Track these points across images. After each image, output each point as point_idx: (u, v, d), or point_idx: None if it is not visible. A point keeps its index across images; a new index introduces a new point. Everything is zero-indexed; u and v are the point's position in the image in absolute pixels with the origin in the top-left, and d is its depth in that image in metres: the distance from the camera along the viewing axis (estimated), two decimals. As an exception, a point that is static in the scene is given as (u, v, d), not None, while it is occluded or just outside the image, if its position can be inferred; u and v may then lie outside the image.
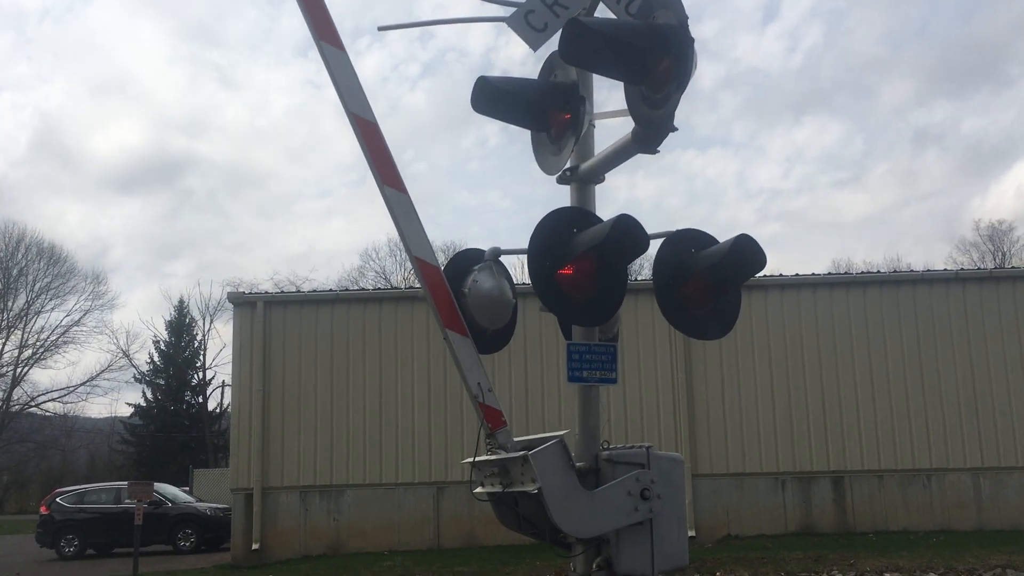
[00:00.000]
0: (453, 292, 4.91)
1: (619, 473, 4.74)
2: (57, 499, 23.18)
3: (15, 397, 58.45)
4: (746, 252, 4.56)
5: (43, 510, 23.15)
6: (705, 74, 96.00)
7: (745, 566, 13.37)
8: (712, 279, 4.71)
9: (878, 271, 23.18)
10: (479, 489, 5.10)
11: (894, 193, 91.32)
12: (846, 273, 20.96)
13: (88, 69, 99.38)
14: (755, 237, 4.57)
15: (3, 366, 58.09)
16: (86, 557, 21.95)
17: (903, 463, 17.44)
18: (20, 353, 58.54)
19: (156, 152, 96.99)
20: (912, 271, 19.61)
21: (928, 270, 18.87)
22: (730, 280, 4.78)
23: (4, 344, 58.12)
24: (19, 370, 58.65)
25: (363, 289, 23.47)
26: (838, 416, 17.61)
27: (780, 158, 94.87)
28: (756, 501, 17.51)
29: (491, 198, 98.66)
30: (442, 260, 5.11)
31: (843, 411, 17.62)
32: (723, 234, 4.72)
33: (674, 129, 4.31)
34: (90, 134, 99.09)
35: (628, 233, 4.45)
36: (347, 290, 21.58)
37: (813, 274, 19.05)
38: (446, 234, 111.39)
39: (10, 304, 57.92)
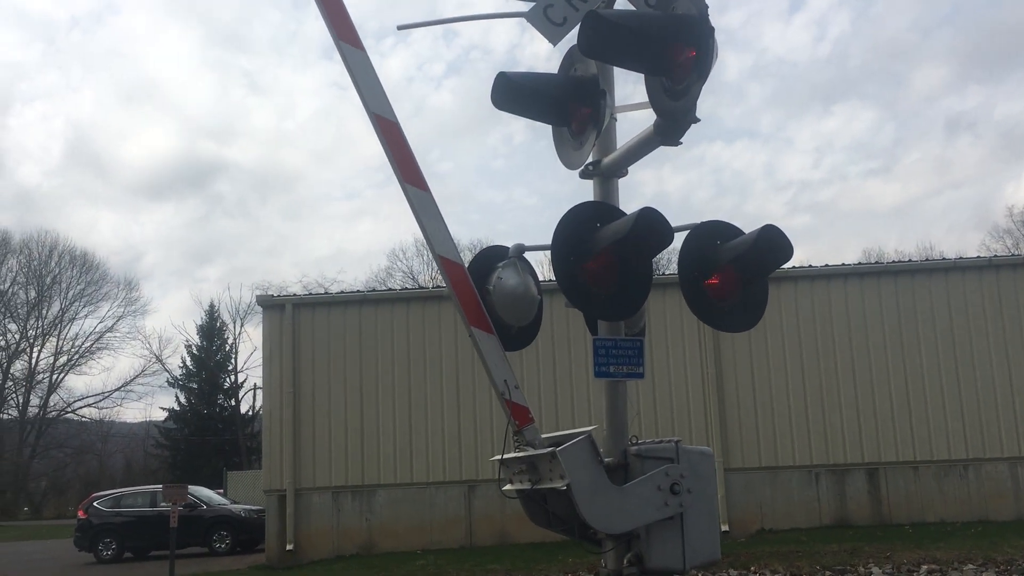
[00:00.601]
0: (478, 289, 4.90)
1: (648, 468, 4.71)
2: (94, 503, 23.47)
3: (52, 404, 59.46)
4: (772, 242, 4.52)
5: (81, 514, 23.46)
6: (731, 65, 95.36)
7: (779, 560, 13.26)
8: (738, 271, 4.66)
9: (909, 260, 22.89)
10: (508, 486, 5.08)
11: (926, 181, 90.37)
12: (877, 263, 20.72)
13: (118, 77, 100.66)
14: (784, 229, 4.52)
15: (39, 373, 59.05)
16: (124, 560, 22.22)
17: (939, 454, 17.21)
18: (55, 360, 59.53)
19: (186, 158, 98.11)
20: (944, 259, 19.33)
21: (961, 257, 18.60)
22: (756, 271, 4.73)
23: (40, 352, 59.11)
24: (55, 377, 59.63)
25: (391, 289, 23.56)
26: (871, 407, 17.42)
27: (809, 148, 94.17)
28: (789, 494, 17.36)
29: (517, 195, 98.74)
30: (469, 259, 5.10)
31: (876, 402, 17.43)
32: (752, 226, 4.67)
33: (696, 120, 4.27)
34: (121, 142, 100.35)
35: (651, 226, 4.41)
36: (374, 291, 21.68)
37: (843, 264, 18.84)
38: (473, 232, 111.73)
39: (44, 312, 58.87)
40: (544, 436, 4.95)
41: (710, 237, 4.72)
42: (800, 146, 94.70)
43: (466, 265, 4.94)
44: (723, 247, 4.69)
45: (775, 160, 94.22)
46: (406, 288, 25.19)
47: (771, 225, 4.51)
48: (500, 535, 17.25)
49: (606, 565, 4.89)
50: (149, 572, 18.31)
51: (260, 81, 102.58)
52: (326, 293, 25.99)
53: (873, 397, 17.44)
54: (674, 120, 4.29)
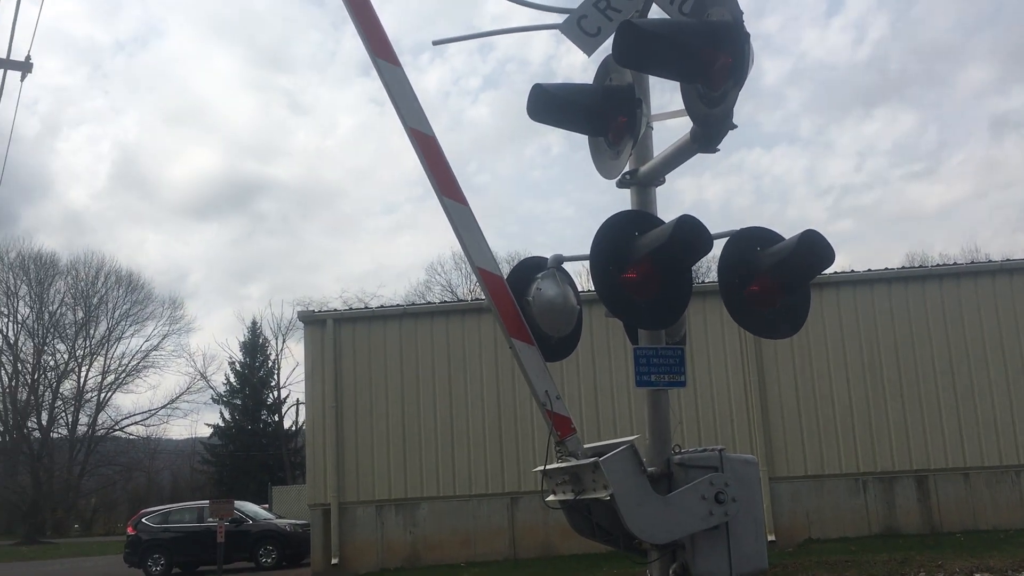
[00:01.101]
0: (517, 300, 4.91)
1: (692, 477, 4.68)
2: (143, 519, 23.81)
3: (100, 422, 60.37)
4: (813, 248, 4.48)
5: (130, 531, 23.81)
6: (769, 70, 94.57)
7: (828, 570, 13.07)
8: (779, 277, 4.63)
9: (955, 263, 22.49)
10: (551, 497, 5.08)
11: (971, 182, 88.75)
12: (921, 266, 20.41)
13: (162, 99, 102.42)
14: (826, 234, 4.49)
15: (88, 392, 60.05)
16: None
17: (990, 460, 16.87)
18: (103, 379, 60.48)
19: (229, 178, 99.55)
20: (991, 261, 18.98)
21: (1008, 260, 18.26)
22: (797, 277, 4.69)
23: (88, 371, 60.09)
24: (103, 395, 60.58)
25: (430, 303, 23.66)
26: (919, 413, 17.13)
27: (850, 152, 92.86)
28: (837, 503, 17.11)
29: (555, 206, 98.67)
30: (508, 270, 5.13)
31: (924, 408, 17.14)
32: (794, 233, 4.64)
33: (734, 126, 4.26)
34: (166, 163, 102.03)
35: (691, 234, 4.40)
36: (414, 304, 21.78)
37: (887, 269, 18.57)
38: (511, 244, 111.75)
39: (92, 332, 59.87)
40: (586, 446, 4.95)
41: (750, 243, 4.69)
42: (841, 150, 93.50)
43: (505, 277, 4.96)
44: (763, 253, 4.66)
45: (816, 165, 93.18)
46: (445, 301, 25.27)
47: (812, 230, 4.48)
48: (544, 547, 17.21)
49: (651, 575, 4.87)
50: (197, 587, 18.53)
51: (301, 100, 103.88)
52: (366, 308, 26.19)
53: (920, 402, 17.16)
54: (711, 127, 4.28)
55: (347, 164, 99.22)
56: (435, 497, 17.72)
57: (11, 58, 19.32)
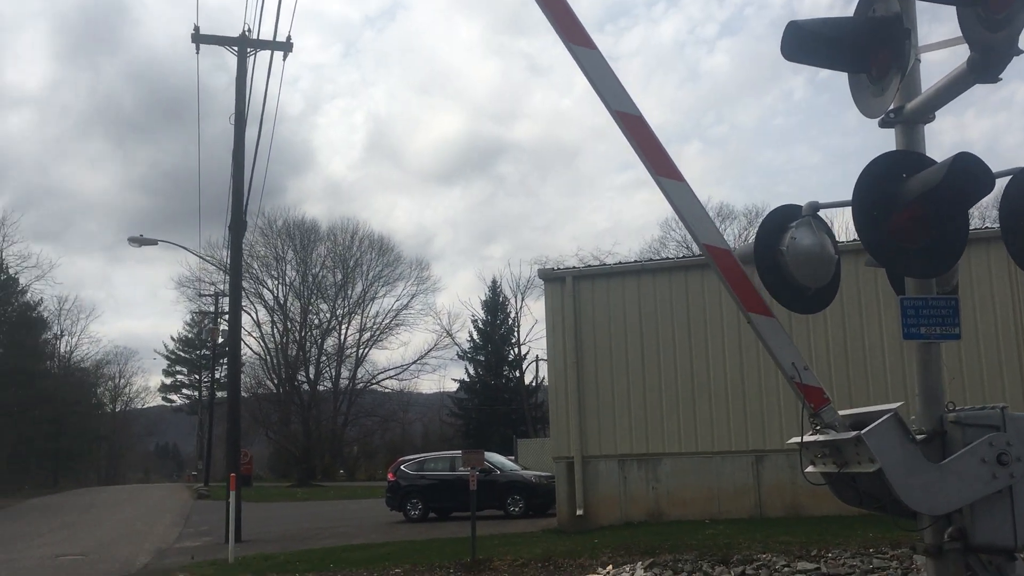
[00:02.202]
0: (769, 250, 4.74)
1: (969, 437, 4.34)
2: (401, 467, 25.44)
3: (359, 376, 65.19)
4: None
5: (390, 477, 25.53)
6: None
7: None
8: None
9: None
10: (811, 468, 4.88)
11: None
12: None
13: (409, 70, 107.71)
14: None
15: (347, 348, 64.98)
16: (429, 520, 23.96)
17: None
18: (360, 336, 65.15)
19: (472, 142, 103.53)
20: None
21: None
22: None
23: (347, 329, 64.97)
24: (360, 352, 65.31)
25: (666, 259, 23.41)
26: None
27: None
28: None
29: (798, 154, 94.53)
30: (746, 225, 4.96)
31: None
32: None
33: (1018, 52, 3.85)
34: (414, 131, 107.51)
35: (969, 173, 4.04)
36: (651, 260, 21.61)
37: None
38: (750, 197, 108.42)
39: (349, 292, 64.57)
40: (842, 414, 4.72)
41: (1038, 181, 4.25)
42: None
43: (753, 233, 4.81)
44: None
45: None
46: (682, 256, 24.91)
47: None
48: (791, 506, 16.70)
49: (924, 540, 4.58)
50: (452, 531, 19.60)
51: (539, 62, 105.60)
52: (603, 265, 26.33)
53: None
54: (992, 54, 3.89)
55: (584, 123, 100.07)
56: (677, 453, 17.64)
57: (276, 39, 20.92)
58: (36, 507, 36.90)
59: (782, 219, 4.88)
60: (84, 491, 51.87)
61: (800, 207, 4.90)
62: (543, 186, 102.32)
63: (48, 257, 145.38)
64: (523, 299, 65.66)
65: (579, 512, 17.81)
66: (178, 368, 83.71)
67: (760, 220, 5.55)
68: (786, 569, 10.80)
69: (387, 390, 66.31)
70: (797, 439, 4.85)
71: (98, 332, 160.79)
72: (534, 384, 64.51)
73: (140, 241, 28.91)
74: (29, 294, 58.56)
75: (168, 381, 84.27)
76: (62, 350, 71.07)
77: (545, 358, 21.21)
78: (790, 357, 4.66)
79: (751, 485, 17.17)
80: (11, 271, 55.46)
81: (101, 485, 65.71)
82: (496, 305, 67.05)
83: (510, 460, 28.36)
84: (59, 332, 69.55)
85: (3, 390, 53.10)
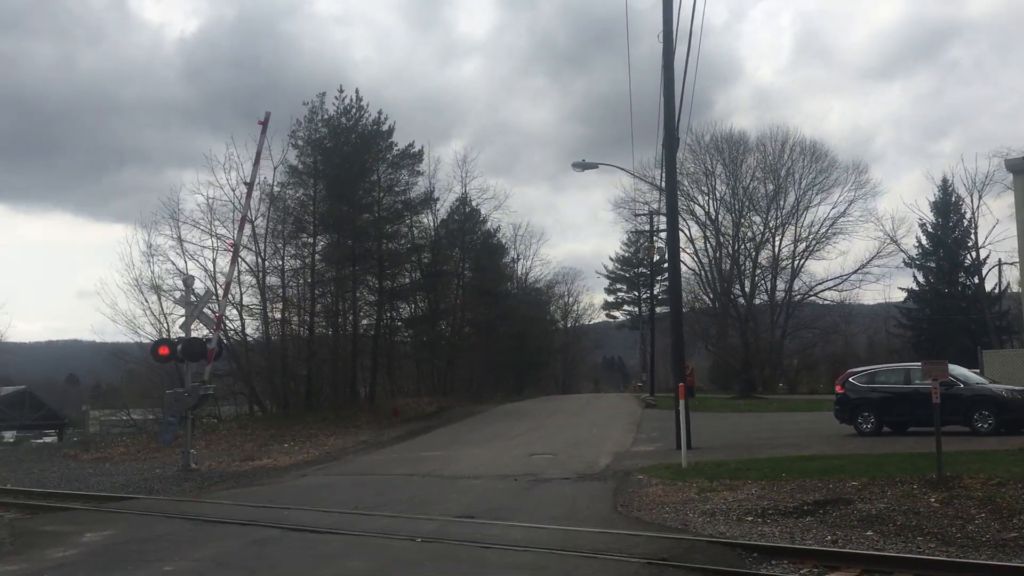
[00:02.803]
0: None
1: None
2: (850, 379, 24.46)
3: (795, 288, 63.61)
4: None
5: (838, 389, 24.67)
6: None
7: None
8: None
9: None
10: None
11: None
12: None
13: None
14: None
15: (782, 260, 63.59)
16: (883, 434, 22.85)
17: None
18: (795, 247, 63.33)
19: (914, 29, 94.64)
20: None
21: None
22: None
23: (780, 240, 63.51)
24: (796, 263, 63.55)
25: None
26: None
27: None
28: None
29: None
30: None
31: None
32: None
33: None
34: (847, 25, 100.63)
35: None
36: None
37: None
38: None
39: (782, 203, 62.85)
40: None
41: None
42: None
43: None
44: None
45: None
46: None
47: None
48: None
49: None
50: (909, 447, 18.50)
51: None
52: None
53: None
54: None
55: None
56: None
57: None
58: (509, 412, 41.65)
59: None
60: (546, 399, 57.39)
61: None
62: (1004, 67, 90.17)
63: (503, 188, 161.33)
64: (981, 197, 59.23)
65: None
66: (618, 286, 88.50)
67: None
68: None
69: (826, 302, 64.06)
70: None
71: (548, 255, 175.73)
72: (996, 291, 58.07)
73: (583, 165, 30.59)
74: (489, 223, 65.23)
75: (610, 299, 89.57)
76: (519, 272, 78.39)
77: (1013, 261, 18.88)
78: None
79: None
80: (474, 203, 62.12)
81: (559, 394, 72.13)
82: (948, 206, 61.14)
83: (975, 373, 25.92)
84: (516, 256, 76.68)
85: (476, 309, 60.37)
